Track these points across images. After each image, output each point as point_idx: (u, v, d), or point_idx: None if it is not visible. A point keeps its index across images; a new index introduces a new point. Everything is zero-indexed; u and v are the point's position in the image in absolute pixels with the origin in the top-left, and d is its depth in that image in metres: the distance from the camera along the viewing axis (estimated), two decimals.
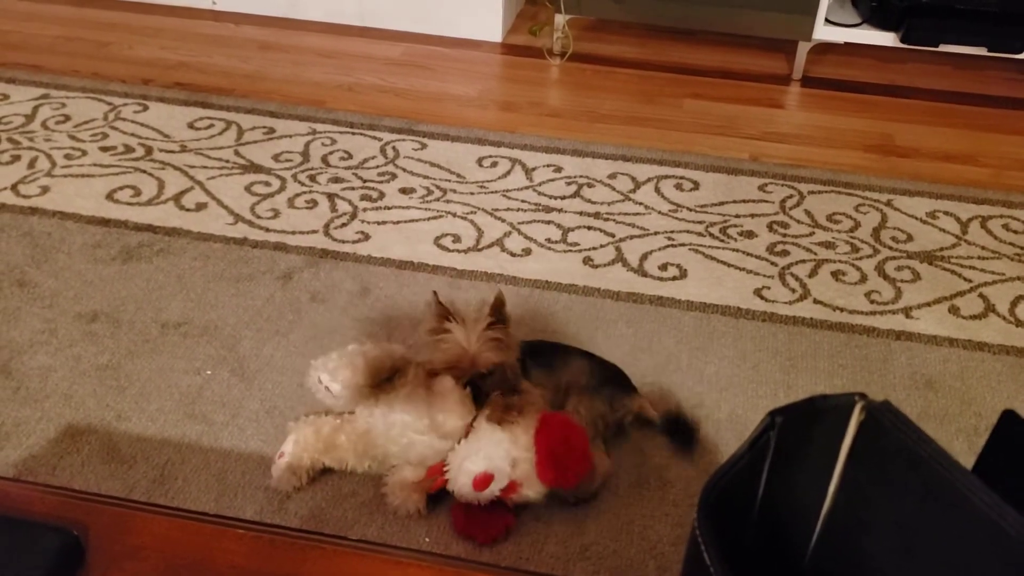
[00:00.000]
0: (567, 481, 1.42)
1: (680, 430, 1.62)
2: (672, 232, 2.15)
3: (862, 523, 0.60)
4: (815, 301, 1.96)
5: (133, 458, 1.55)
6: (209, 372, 1.72)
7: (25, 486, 0.96)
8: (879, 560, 0.60)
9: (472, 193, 2.26)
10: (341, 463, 1.52)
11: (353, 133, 2.49)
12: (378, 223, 2.14)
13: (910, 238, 2.16)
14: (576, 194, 2.27)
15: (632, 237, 2.13)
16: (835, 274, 2.03)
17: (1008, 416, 0.63)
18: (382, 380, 1.54)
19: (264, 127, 2.50)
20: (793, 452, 0.60)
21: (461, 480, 1.40)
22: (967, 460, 1.55)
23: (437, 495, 1.46)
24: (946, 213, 2.25)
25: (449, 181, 2.30)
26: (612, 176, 2.34)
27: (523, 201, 2.24)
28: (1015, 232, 2.18)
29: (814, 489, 0.62)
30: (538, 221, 2.17)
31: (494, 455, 1.40)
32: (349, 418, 1.54)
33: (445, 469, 1.43)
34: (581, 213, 2.21)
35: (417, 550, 1.39)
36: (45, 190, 2.20)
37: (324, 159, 2.37)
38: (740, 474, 0.59)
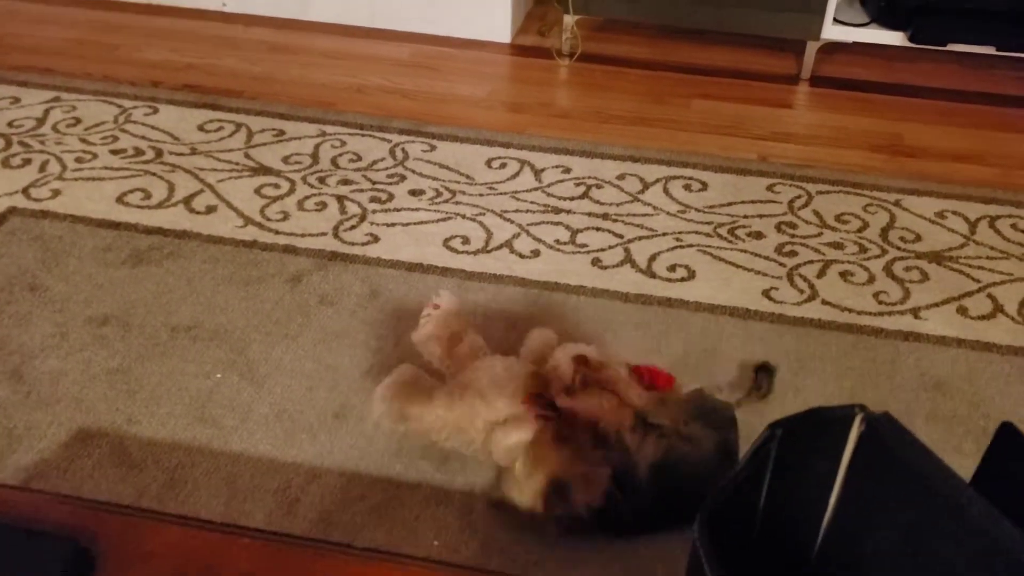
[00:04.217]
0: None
1: None
2: (680, 233, 2.15)
3: (863, 533, 0.61)
4: (823, 302, 1.96)
5: (143, 462, 1.56)
6: (219, 376, 1.73)
7: (34, 495, 0.97)
8: (880, 569, 0.60)
9: (481, 195, 2.27)
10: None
11: (362, 135, 2.49)
12: (387, 225, 2.15)
13: (918, 238, 2.16)
14: (585, 195, 2.28)
15: (641, 238, 2.13)
16: (843, 275, 2.04)
17: (1005, 428, 0.63)
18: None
19: (274, 129, 2.51)
20: (794, 463, 0.61)
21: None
22: (976, 463, 1.54)
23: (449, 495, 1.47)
24: (954, 213, 2.25)
25: (458, 183, 2.31)
26: (621, 177, 2.35)
27: (532, 202, 2.24)
28: (1023, 232, 2.19)
29: (816, 499, 0.62)
30: (547, 222, 2.18)
31: None
32: None
33: None
34: (590, 214, 2.21)
35: (423, 558, 1.39)
36: (56, 193, 2.21)
37: (333, 161, 2.38)
38: (741, 486, 0.60)
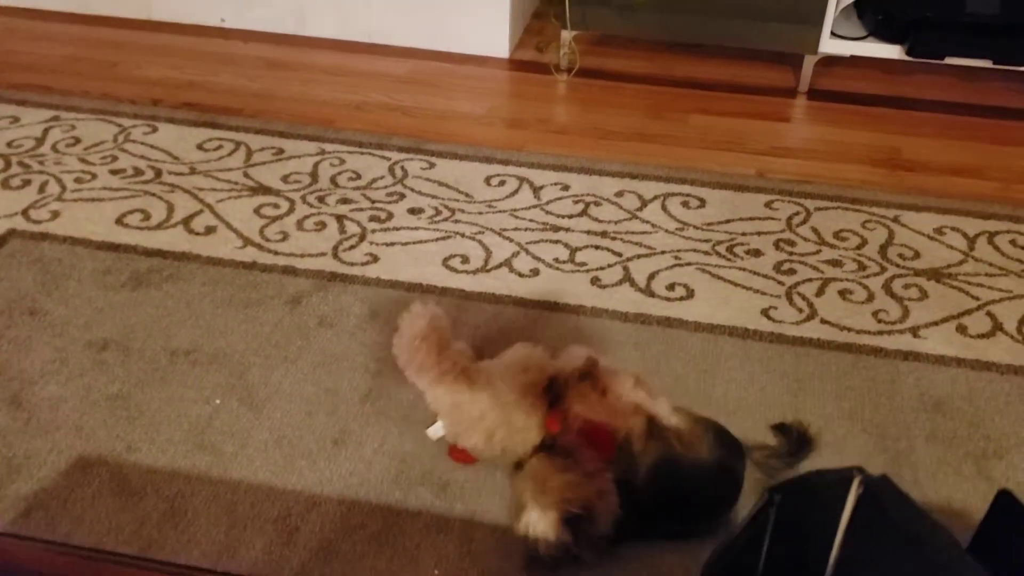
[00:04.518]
0: None
1: None
2: (679, 251, 2.15)
3: None
4: (822, 321, 1.96)
5: (143, 490, 1.56)
6: (218, 401, 1.73)
7: (23, 544, 0.97)
8: None
9: (480, 213, 2.27)
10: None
11: (362, 153, 2.50)
12: (387, 244, 2.15)
13: (917, 255, 2.16)
14: (583, 213, 2.28)
15: (639, 256, 2.13)
16: (842, 293, 2.03)
17: (1003, 496, 0.63)
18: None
19: (273, 147, 2.51)
20: (794, 526, 0.61)
21: None
22: (976, 484, 1.54)
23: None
24: (953, 229, 2.25)
25: (457, 201, 2.31)
26: (619, 194, 2.35)
27: (531, 220, 2.24)
28: (1022, 248, 2.18)
29: (816, 561, 0.62)
30: (546, 240, 2.18)
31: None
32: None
33: None
34: (588, 232, 2.21)
35: None
36: (55, 215, 2.21)
37: (333, 180, 2.38)
38: (741, 549, 0.60)
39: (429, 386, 1.59)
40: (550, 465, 1.48)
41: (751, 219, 2.27)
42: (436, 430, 1.62)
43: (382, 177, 2.40)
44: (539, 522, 1.42)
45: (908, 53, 2.74)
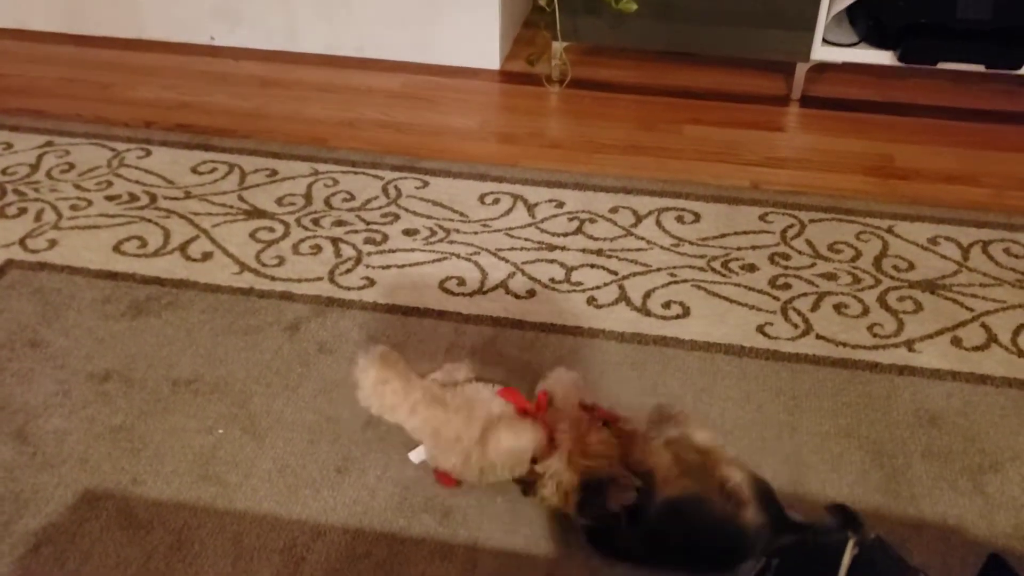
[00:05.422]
0: None
1: None
2: (674, 268, 2.17)
3: None
4: (818, 336, 1.97)
5: (150, 523, 1.57)
6: (221, 431, 1.74)
7: None
8: None
9: (475, 232, 2.28)
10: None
11: (355, 172, 2.51)
12: (383, 267, 2.16)
13: (911, 266, 2.17)
14: (578, 230, 2.29)
15: (635, 274, 2.15)
16: (837, 307, 2.05)
17: (993, 559, 0.64)
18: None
19: (267, 169, 2.52)
20: None
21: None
22: (972, 499, 1.55)
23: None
24: (947, 238, 2.26)
25: (452, 220, 2.32)
26: (614, 210, 2.36)
27: (526, 239, 2.26)
28: (1016, 257, 2.20)
29: None
30: (541, 260, 2.19)
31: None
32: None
33: None
34: (584, 250, 2.22)
35: None
36: (53, 244, 2.22)
37: (327, 201, 2.39)
38: None
39: (405, 420, 1.64)
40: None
41: (746, 233, 2.28)
42: (418, 453, 1.64)
43: (376, 198, 2.41)
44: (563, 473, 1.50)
45: (900, 59, 2.76)
